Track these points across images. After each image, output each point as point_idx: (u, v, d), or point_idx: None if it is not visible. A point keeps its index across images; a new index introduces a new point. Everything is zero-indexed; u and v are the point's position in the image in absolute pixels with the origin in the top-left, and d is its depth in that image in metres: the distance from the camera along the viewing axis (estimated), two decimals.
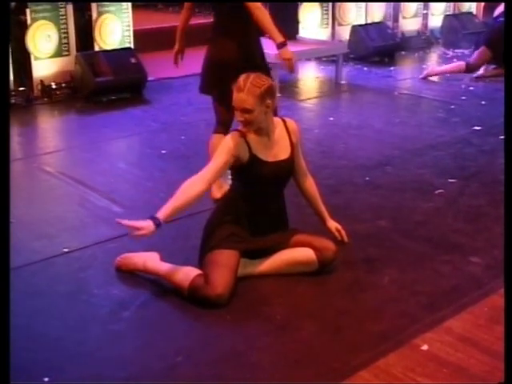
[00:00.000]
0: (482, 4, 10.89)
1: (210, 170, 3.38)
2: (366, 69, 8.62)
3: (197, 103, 6.72)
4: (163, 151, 5.54)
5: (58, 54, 7.11)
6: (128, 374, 2.82)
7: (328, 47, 8.35)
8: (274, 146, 3.52)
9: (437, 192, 4.70)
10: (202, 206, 3.73)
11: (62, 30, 7.10)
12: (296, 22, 8.59)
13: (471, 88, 7.65)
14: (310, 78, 8.22)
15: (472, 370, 2.84)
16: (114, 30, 7.48)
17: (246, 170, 3.46)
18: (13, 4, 6.74)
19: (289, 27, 7.25)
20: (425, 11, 10.16)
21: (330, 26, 9.27)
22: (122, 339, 3.08)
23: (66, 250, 3.86)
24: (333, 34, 9.28)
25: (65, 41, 7.14)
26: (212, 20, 4.61)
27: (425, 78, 8.03)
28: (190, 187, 3.31)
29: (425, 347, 2.98)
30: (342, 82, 7.93)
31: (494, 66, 8.13)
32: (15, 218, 3.98)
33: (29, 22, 6.82)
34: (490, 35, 7.92)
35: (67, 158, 5.55)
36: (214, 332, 3.12)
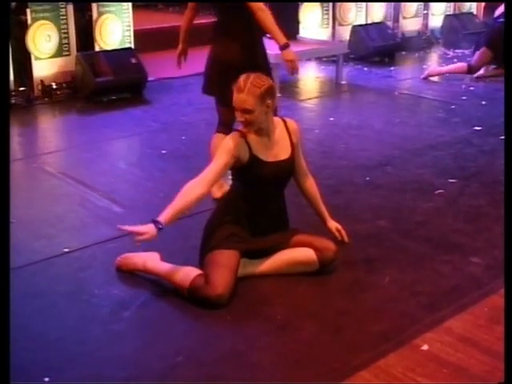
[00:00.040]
0: (483, 4, 10.90)
1: (210, 171, 3.38)
2: (366, 69, 8.62)
3: (197, 103, 6.73)
4: (163, 151, 5.54)
5: (59, 54, 7.11)
6: (128, 374, 2.82)
7: (328, 47, 8.35)
8: (275, 146, 3.52)
9: (437, 192, 4.70)
10: (202, 206, 3.73)
11: (63, 30, 7.10)
12: (296, 22, 8.59)
13: (471, 88, 7.65)
14: (310, 78, 8.22)
15: (472, 370, 2.84)
16: (115, 30, 7.48)
17: (246, 171, 3.46)
18: (13, 4, 6.74)
19: (289, 27, 7.23)
20: (425, 11, 10.17)
21: (331, 26, 9.27)
22: (122, 339, 3.08)
23: (66, 250, 3.86)
24: (333, 34, 9.29)
25: (65, 41, 7.14)
26: (212, 20, 4.61)
27: (426, 78, 8.03)
28: (191, 190, 3.31)
29: (425, 347, 2.98)
30: (343, 82, 7.93)
31: (494, 66, 8.13)
32: (15, 218, 3.98)
33: (29, 21, 6.82)
34: (490, 35, 7.92)
35: (67, 158, 5.55)
36: (214, 332, 3.13)
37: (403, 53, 9.43)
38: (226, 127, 4.35)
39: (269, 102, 3.38)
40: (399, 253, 3.86)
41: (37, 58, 6.95)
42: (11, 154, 4.94)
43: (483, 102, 7.01)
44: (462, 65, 8.15)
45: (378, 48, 8.86)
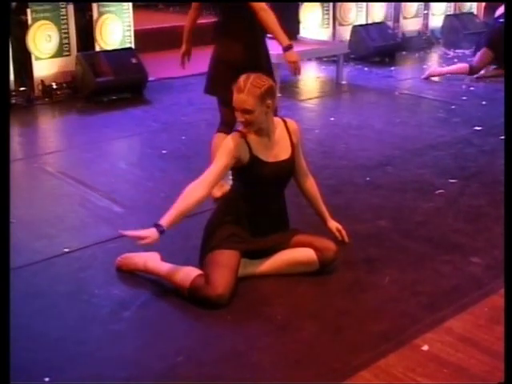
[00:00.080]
0: (483, 4, 10.90)
1: (210, 173, 3.37)
2: (366, 69, 8.62)
3: (197, 103, 6.73)
4: (164, 151, 5.54)
5: (59, 54, 7.11)
6: (128, 374, 2.82)
7: (329, 47, 8.35)
8: (275, 147, 3.52)
9: (437, 192, 4.70)
10: (202, 207, 3.71)
11: (63, 30, 7.11)
12: (297, 22, 8.59)
13: (472, 88, 7.65)
14: (310, 78, 8.22)
15: (472, 370, 2.84)
16: (115, 30, 7.48)
17: (246, 171, 3.46)
18: (14, 4, 6.74)
19: (290, 27, 7.24)
20: (425, 11, 10.17)
21: (331, 26, 9.27)
22: (123, 339, 3.08)
23: (66, 250, 3.86)
24: (333, 34, 9.29)
25: (65, 41, 7.14)
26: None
27: (427, 78, 8.03)
28: (192, 192, 3.31)
29: (425, 347, 2.98)
30: (343, 82, 7.93)
31: (494, 67, 8.13)
32: (16, 218, 3.98)
33: (30, 22, 6.82)
34: (491, 36, 7.93)
35: (68, 158, 5.55)
36: (214, 332, 3.13)
37: (403, 53, 9.44)
38: (227, 127, 4.35)
39: (269, 102, 3.38)
40: (399, 253, 3.86)
41: (37, 58, 6.96)
42: (11, 154, 4.94)
43: (483, 102, 7.01)
44: (463, 65, 8.15)
45: (378, 48, 8.86)
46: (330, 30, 9.27)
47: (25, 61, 6.89)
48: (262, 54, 4.49)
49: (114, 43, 7.46)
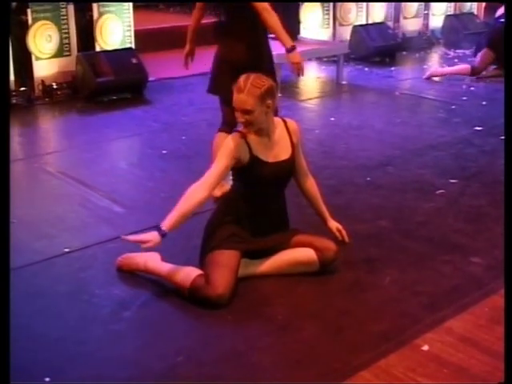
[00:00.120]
0: (483, 4, 10.91)
1: (211, 175, 3.37)
2: (366, 69, 8.62)
3: (198, 103, 6.74)
4: (164, 151, 5.54)
5: (59, 54, 7.12)
6: (128, 374, 2.82)
7: (329, 47, 8.35)
8: (275, 147, 3.51)
9: (438, 192, 4.70)
10: (202, 207, 3.73)
11: (63, 30, 7.11)
12: (297, 22, 8.59)
13: (472, 88, 7.65)
14: (310, 78, 8.21)
15: (473, 371, 2.84)
16: (115, 30, 7.49)
17: (246, 171, 3.46)
18: (14, 4, 6.75)
19: (290, 27, 7.24)
20: (426, 11, 10.17)
21: (331, 26, 9.28)
22: (123, 339, 3.08)
23: (66, 250, 3.86)
24: (334, 34, 9.29)
25: (66, 41, 7.15)
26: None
27: (429, 78, 8.03)
28: (193, 194, 3.31)
29: (425, 347, 2.98)
30: (343, 82, 7.93)
31: (494, 67, 8.13)
32: (16, 218, 3.98)
33: (30, 22, 6.82)
34: (491, 36, 7.93)
35: (68, 158, 5.55)
36: (214, 332, 3.13)
37: (404, 53, 9.44)
38: (229, 127, 4.35)
39: (269, 102, 3.38)
40: (400, 253, 3.86)
41: (37, 58, 6.96)
42: (12, 154, 4.94)
43: (484, 103, 7.01)
44: (465, 66, 8.14)
45: (378, 48, 8.87)
46: (331, 30, 9.28)
47: (25, 61, 6.89)
48: (265, 54, 4.49)
49: (114, 43, 7.46)
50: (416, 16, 10.02)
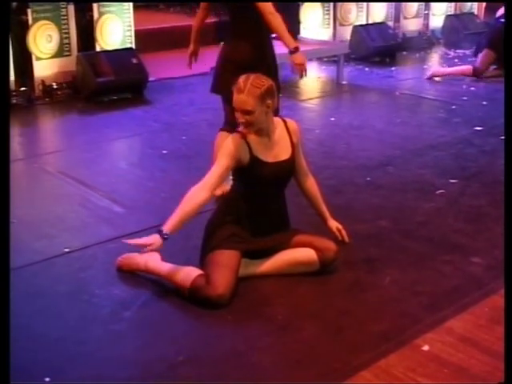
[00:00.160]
0: (484, 4, 10.90)
1: (212, 176, 3.37)
2: (367, 69, 8.62)
3: (198, 103, 6.74)
4: (164, 151, 5.54)
5: (60, 54, 7.12)
6: (129, 374, 2.82)
7: (329, 47, 8.35)
8: (275, 147, 3.51)
9: (438, 192, 4.70)
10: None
11: (64, 31, 7.11)
12: (297, 22, 8.59)
13: (472, 88, 7.65)
14: (311, 78, 8.20)
15: (473, 371, 2.84)
16: (116, 30, 7.49)
17: (246, 171, 3.46)
18: (14, 4, 6.75)
19: (290, 27, 7.24)
20: (426, 11, 10.17)
21: (332, 26, 9.27)
22: (123, 339, 3.08)
23: (66, 250, 3.86)
24: (334, 34, 9.29)
25: (66, 41, 7.15)
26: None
27: (430, 78, 8.03)
28: (194, 197, 3.31)
29: (426, 347, 2.98)
30: (343, 82, 7.93)
31: (494, 67, 8.13)
32: (16, 218, 3.98)
33: (30, 22, 6.82)
34: (492, 36, 7.93)
35: (68, 158, 5.55)
36: (214, 332, 3.12)
37: (404, 53, 9.44)
38: (231, 126, 4.35)
39: (269, 102, 3.38)
40: (400, 253, 3.86)
41: (38, 58, 6.96)
42: (12, 154, 4.94)
43: (484, 103, 7.01)
44: (467, 67, 8.13)
45: (378, 48, 8.87)
46: (331, 30, 9.28)
47: (25, 61, 6.89)
48: (269, 54, 4.50)
49: (114, 43, 7.46)
50: (416, 16, 10.03)
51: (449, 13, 10.39)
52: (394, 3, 9.77)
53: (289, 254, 3.56)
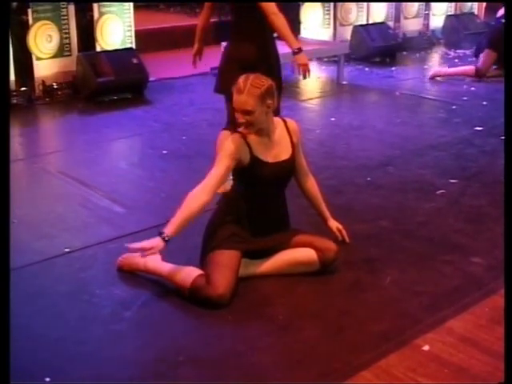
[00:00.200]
0: (484, 4, 10.90)
1: (212, 177, 3.37)
2: (367, 69, 8.62)
3: (198, 103, 6.74)
4: (164, 151, 5.54)
5: (60, 54, 7.11)
6: (129, 374, 2.82)
7: (329, 47, 8.36)
8: (275, 147, 3.51)
9: (438, 192, 4.70)
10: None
11: (64, 31, 7.11)
12: (298, 22, 8.59)
13: (472, 88, 7.64)
14: (311, 78, 8.17)
15: (473, 371, 2.84)
16: (116, 30, 7.48)
17: (247, 172, 3.46)
18: (14, 4, 6.75)
19: (291, 27, 7.25)
20: (426, 11, 10.17)
21: (332, 26, 9.27)
22: (123, 339, 3.08)
23: (67, 250, 3.86)
24: (334, 35, 9.29)
25: (66, 41, 7.15)
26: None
27: (432, 79, 8.03)
28: (195, 199, 3.30)
29: (426, 347, 2.97)
30: (344, 82, 7.93)
31: (495, 67, 8.13)
32: (16, 218, 3.99)
33: (30, 22, 6.82)
34: (492, 36, 7.92)
35: (68, 158, 5.55)
36: (215, 332, 3.12)
37: (404, 53, 9.44)
38: (234, 125, 4.35)
39: (269, 102, 3.38)
40: (400, 253, 3.86)
41: (38, 58, 6.96)
42: (12, 154, 4.94)
43: (484, 103, 7.01)
44: (469, 68, 8.12)
45: (379, 48, 8.87)
46: (331, 30, 9.28)
47: (25, 61, 6.89)
48: (272, 54, 4.51)
49: (114, 43, 7.46)
50: (416, 16, 10.03)
51: (449, 13, 10.39)
52: (394, 3, 9.77)
53: (289, 254, 3.56)
